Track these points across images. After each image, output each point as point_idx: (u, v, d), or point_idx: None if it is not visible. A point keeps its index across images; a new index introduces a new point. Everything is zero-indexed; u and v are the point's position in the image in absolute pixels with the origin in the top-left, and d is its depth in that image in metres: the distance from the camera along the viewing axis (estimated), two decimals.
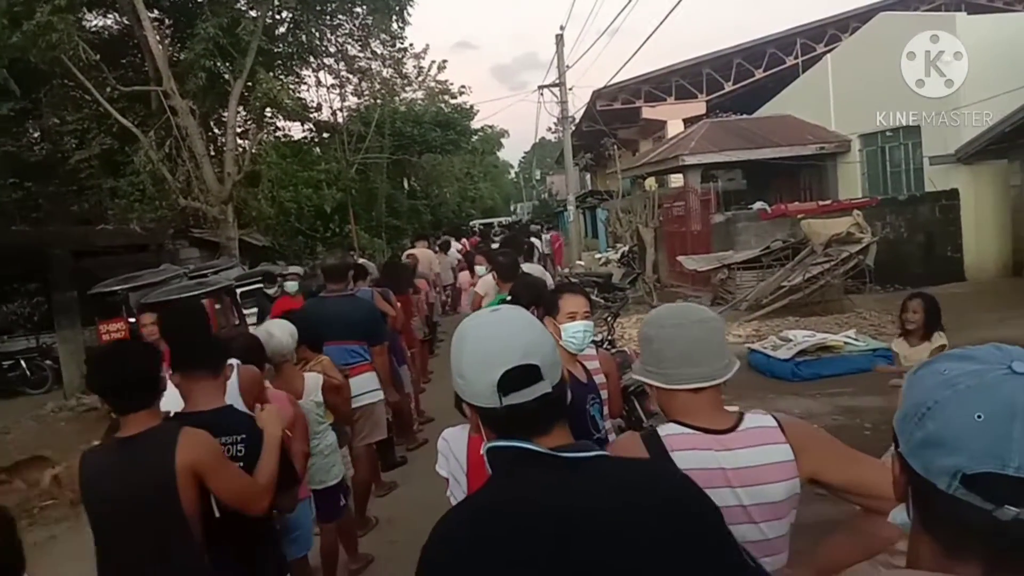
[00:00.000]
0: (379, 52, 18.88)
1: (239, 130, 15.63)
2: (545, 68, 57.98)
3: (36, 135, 15.79)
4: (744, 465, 1.58)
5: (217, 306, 7.86)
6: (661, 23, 21.77)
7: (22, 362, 11.99)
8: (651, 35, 31.39)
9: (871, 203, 13.59)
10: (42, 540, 5.33)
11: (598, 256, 20.70)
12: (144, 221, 13.66)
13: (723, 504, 1.30)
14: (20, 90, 13.20)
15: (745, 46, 22.15)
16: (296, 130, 20.99)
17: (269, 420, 2.55)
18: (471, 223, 36.39)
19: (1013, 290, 11.93)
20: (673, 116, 22.96)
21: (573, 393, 1.53)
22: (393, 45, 18.91)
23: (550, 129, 34.85)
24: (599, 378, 2.86)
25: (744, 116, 20.21)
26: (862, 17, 18.85)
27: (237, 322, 8.21)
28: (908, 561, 0.87)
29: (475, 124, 25.90)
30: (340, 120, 20.30)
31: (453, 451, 2.22)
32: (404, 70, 20.89)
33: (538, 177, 56.72)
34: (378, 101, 20.13)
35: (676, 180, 18.92)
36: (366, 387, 4.88)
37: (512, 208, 59.65)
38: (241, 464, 2.43)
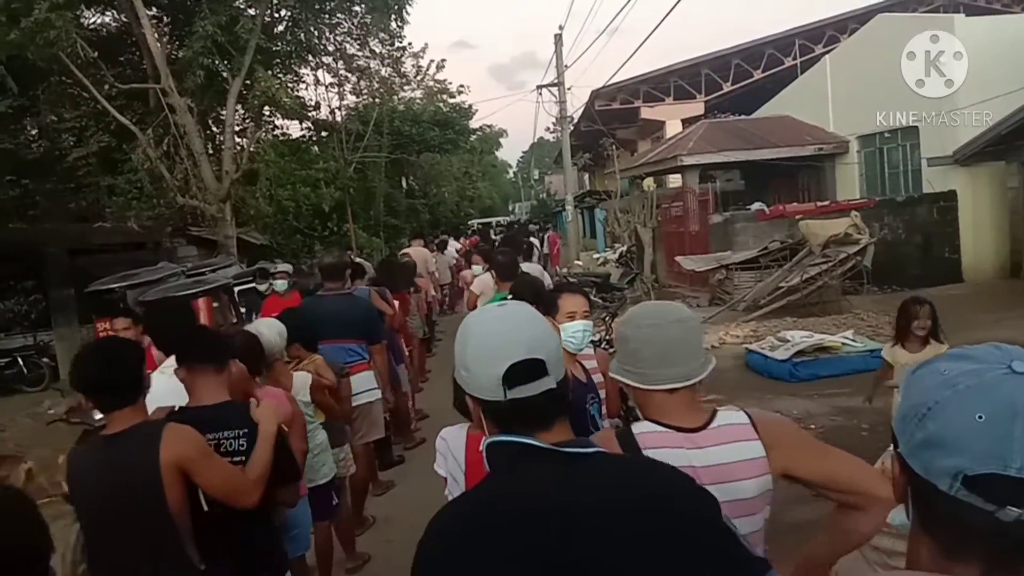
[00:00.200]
0: (378, 51, 18.83)
1: (237, 128, 15.57)
2: (544, 68, 58.01)
3: (34, 132, 15.73)
4: (715, 463, 1.58)
5: (215, 304, 7.84)
6: (660, 23, 21.72)
7: (19, 360, 11.94)
8: (650, 35, 31.54)
9: (869, 204, 13.62)
10: None
11: (596, 256, 20.67)
12: (142, 219, 13.63)
13: None
14: (18, 87, 13.18)
15: (744, 47, 22.19)
16: (294, 129, 20.98)
17: (264, 415, 2.55)
18: (470, 222, 36.39)
19: (1010, 291, 11.95)
20: (671, 116, 23.00)
21: (573, 392, 1.53)
22: (392, 44, 18.87)
23: (548, 129, 34.78)
24: (597, 378, 2.87)
25: (742, 117, 20.24)
26: (860, 18, 18.89)
27: (235, 320, 8.19)
28: (908, 562, 0.87)
29: (474, 124, 25.86)
30: (338, 119, 20.24)
31: (451, 450, 2.23)
32: (403, 69, 20.83)
33: (536, 177, 56.62)
34: (376, 100, 20.08)
35: (674, 180, 18.93)
36: (364, 386, 4.86)
37: (510, 208, 59.71)
38: (243, 458, 2.44)
